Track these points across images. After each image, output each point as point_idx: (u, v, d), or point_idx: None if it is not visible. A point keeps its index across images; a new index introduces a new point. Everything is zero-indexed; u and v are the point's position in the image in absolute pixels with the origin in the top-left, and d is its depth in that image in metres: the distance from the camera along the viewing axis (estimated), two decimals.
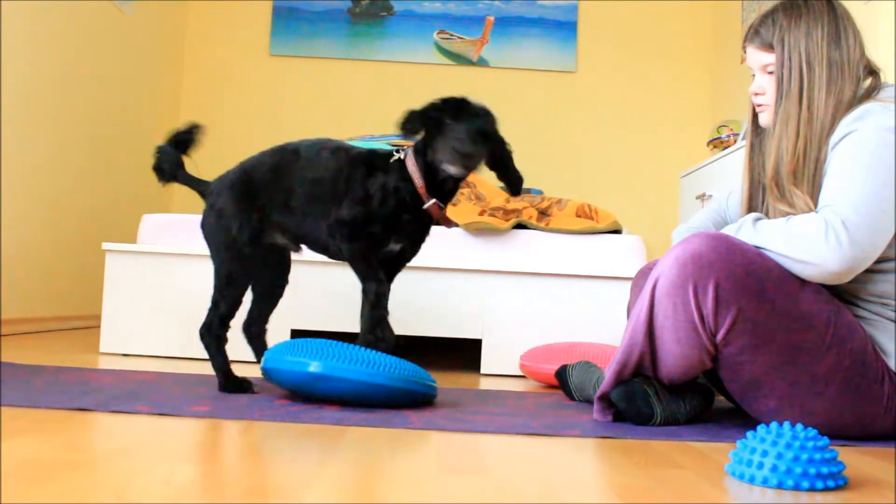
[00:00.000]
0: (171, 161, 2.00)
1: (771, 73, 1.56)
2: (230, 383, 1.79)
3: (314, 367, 1.57)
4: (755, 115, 1.66)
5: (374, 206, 1.76)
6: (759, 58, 1.58)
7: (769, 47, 1.55)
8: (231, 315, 1.86)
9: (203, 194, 1.98)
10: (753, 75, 1.61)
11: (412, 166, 1.79)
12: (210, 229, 1.91)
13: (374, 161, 1.82)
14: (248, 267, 1.88)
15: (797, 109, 1.50)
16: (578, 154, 4.93)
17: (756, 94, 1.60)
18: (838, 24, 1.51)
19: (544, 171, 4.86)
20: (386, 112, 4.86)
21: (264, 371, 1.69)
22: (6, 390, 1.58)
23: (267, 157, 1.93)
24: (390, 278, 1.89)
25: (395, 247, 1.83)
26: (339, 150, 1.87)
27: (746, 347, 1.42)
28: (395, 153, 1.83)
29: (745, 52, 1.63)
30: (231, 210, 1.87)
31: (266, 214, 1.87)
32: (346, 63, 4.92)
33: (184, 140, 2.03)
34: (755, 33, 1.58)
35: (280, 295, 2.05)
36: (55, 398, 1.52)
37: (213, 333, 1.83)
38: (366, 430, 1.39)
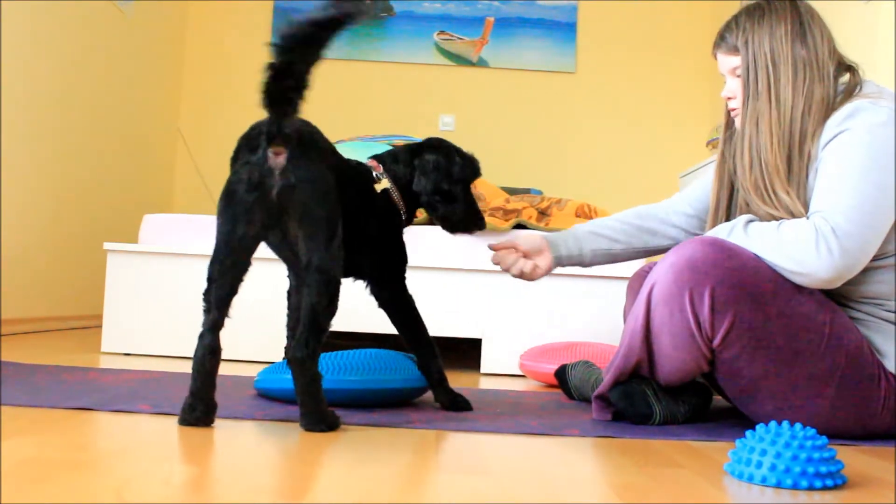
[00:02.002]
0: None
1: (739, 75, 1.55)
2: None
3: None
4: (728, 122, 1.65)
5: None
6: (726, 62, 1.57)
7: (735, 50, 1.54)
8: None
9: None
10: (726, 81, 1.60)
11: (399, 201, 1.67)
12: None
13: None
14: None
15: (766, 108, 1.49)
16: (578, 154, 4.94)
17: (728, 99, 1.59)
18: (802, 22, 1.50)
19: (544, 172, 4.86)
20: (386, 112, 4.87)
21: (258, 390, 1.70)
22: (7, 390, 1.58)
23: None
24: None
25: None
26: None
27: (743, 351, 1.42)
28: (378, 179, 1.66)
29: (716, 59, 1.62)
30: None
31: None
32: (347, 63, 4.92)
33: None
34: (721, 38, 1.58)
35: None
36: (56, 397, 1.52)
37: None
38: (366, 430, 1.39)
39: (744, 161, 1.53)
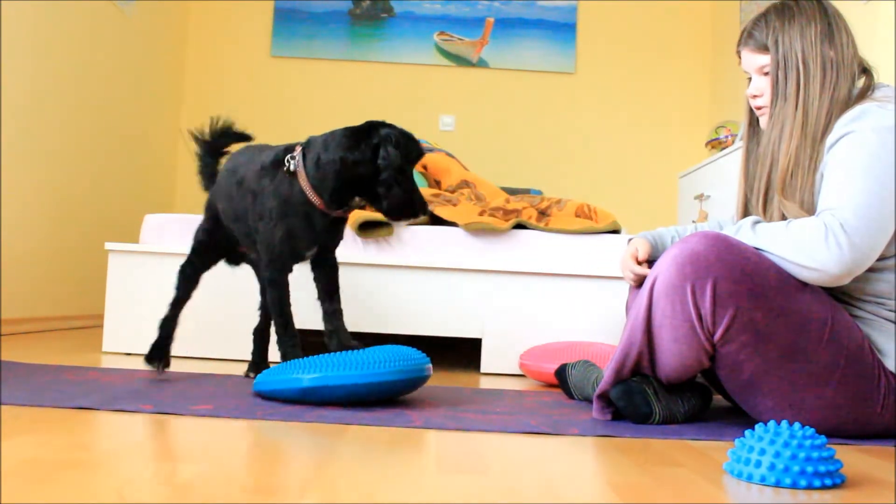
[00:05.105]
0: (211, 170, 2.11)
1: (767, 73, 1.56)
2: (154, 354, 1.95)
3: (307, 380, 1.59)
4: (752, 119, 1.66)
5: (277, 237, 1.75)
6: (754, 60, 1.58)
7: (764, 48, 1.55)
8: (179, 303, 2.02)
9: None
10: (749, 79, 1.61)
11: (305, 183, 1.73)
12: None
13: (264, 180, 1.79)
14: (196, 265, 2.02)
15: (793, 110, 1.51)
16: (577, 155, 4.94)
17: (755, 97, 1.60)
18: (831, 23, 1.52)
19: (543, 172, 4.87)
20: (386, 113, 4.87)
21: (258, 394, 1.70)
22: (7, 389, 1.59)
23: (226, 163, 2.01)
24: (333, 284, 1.86)
25: (310, 252, 1.83)
26: (231, 174, 1.90)
27: (744, 347, 1.43)
28: (286, 162, 1.75)
29: (739, 56, 1.63)
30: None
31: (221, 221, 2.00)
32: (347, 64, 4.93)
33: (219, 145, 2.11)
34: (749, 36, 1.58)
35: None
36: (57, 397, 1.52)
37: (166, 315, 2.01)
38: (366, 429, 1.40)
39: (765, 161, 1.55)
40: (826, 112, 1.49)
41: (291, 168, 1.73)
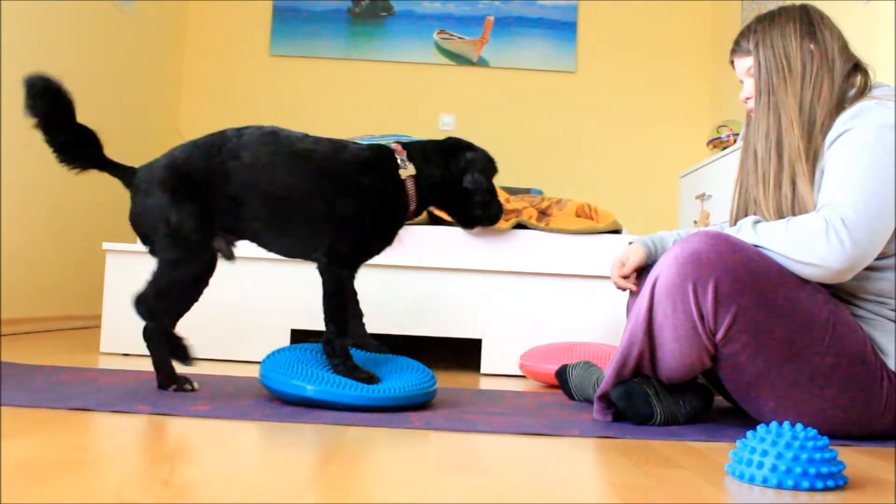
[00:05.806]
0: (94, 144, 1.86)
1: (753, 75, 1.59)
2: (167, 380, 1.72)
3: (311, 391, 1.58)
4: (750, 122, 1.67)
5: (369, 235, 1.68)
6: (742, 64, 1.62)
7: (748, 53, 1.60)
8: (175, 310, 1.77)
9: (129, 185, 1.81)
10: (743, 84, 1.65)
11: (412, 188, 1.73)
12: (149, 222, 1.70)
13: (367, 176, 1.68)
14: (195, 255, 1.70)
15: (783, 100, 1.53)
16: (578, 154, 4.94)
17: (747, 100, 1.64)
18: (812, 21, 1.56)
19: (544, 171, 4.86)
20: (386, 112, 4.87)
21: (263, 385, 1.69)
22: (6, 390, 1.58)
23: (199, 153, 1.70)
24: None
25: None
26: (297, 158, 1.66)
27: (746, 347, 1.43)
28: (401, 164, 1.72)
29: (733, 67, 1.67)
30: (166, 202, 1.67)
31: (210, 215, 1.68)
32: (347, 63, 4.92)
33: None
34: (736, 44, 1.64)
35: (198, 296, 1.83)
36: (55, 398, 1.52)
37: (158, 329, 1.72)
38: (366, 429, 1.39)
39: (759, 152, 1.56)
40: (810, 100, 1.50)
41: (407, 172, 1.74)
